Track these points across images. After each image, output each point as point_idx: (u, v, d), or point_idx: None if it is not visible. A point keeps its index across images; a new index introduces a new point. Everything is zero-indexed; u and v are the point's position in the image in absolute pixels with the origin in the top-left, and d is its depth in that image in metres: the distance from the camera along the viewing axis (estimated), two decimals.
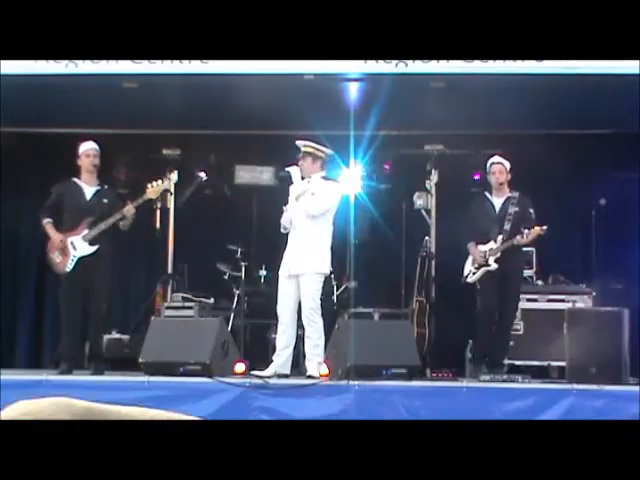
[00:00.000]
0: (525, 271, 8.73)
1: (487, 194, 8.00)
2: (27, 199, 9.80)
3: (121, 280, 9.70)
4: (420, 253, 9.42)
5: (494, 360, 7.77)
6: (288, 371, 7.24)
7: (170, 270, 9.82)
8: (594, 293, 8.68)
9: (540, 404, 6.70)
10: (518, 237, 7.63)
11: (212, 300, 9.21)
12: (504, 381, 7.20)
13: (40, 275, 9.83)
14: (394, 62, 7.41)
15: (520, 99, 7.99)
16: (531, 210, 7.81)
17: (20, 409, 3.58)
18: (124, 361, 8.13)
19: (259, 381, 6.88)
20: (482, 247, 7.80)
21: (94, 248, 7.57)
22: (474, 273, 7.83)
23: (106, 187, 7.85)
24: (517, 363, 8.36)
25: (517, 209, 7.77)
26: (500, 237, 7.72)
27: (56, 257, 7.60)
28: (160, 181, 7.86)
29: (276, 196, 7.97)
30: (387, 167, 9.76)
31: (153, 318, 8.35)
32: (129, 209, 7.59)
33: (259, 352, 8.50)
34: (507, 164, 7.91)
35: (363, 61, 7.41)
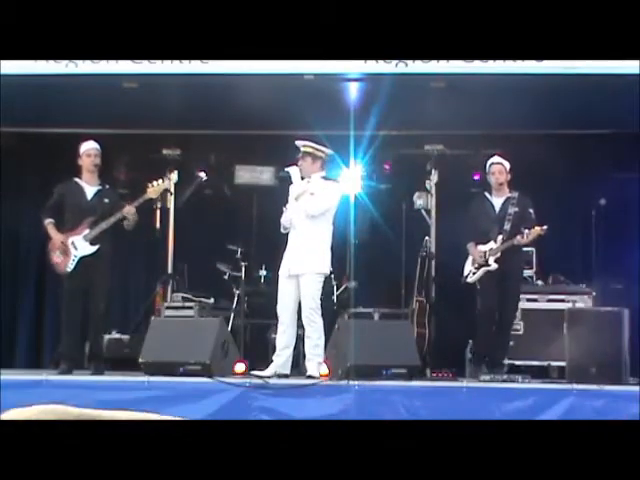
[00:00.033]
0: (525, 271, 8.73)
1: (487, 194, 8.00)
2: (27, 199, 9.80)
3: (121, 280, 9.70)
4: (420, 253, 9.42)
5: (494, 360, 7.77)
6: (288, 371, 7.23)
7: (170, 270, 9.82)
8: (594, 293, 8.68)
9: (540, 404, 6.70)
10: (518, 237, 7.63)
11: (212, 300, 9.21)
12: (504, 381, 7.19)
13: (40, 275, 9.83)
14: (394, 62, 7.41)
15: (520, 99, 7.99)
16: (531, 210, 7.81)
17: (13, 416, 3.56)
18: (124, 361, 8.13)
19: (259, 381, 6.88)
20: (482, 247, 7.80)
21: (95, 248, 7.57)
22: (474, 273, 7.83)
23: (107, 187, 7.85)
24: (517, 363, 8.36)
25: (517, 209, 7.77)
26: (500, 237, 7.72)
27: (57, 257, 7.60)
28: (160, 181, 7.87)
29: (276, 196, 7.97)
30: (387, 167, 9.76)
31: (153, 318, 8.35)
32: (129, 209, 7.60)
33: (259, 352, 8.50)
34: (507, 164, 7.91)
35: (363, 61, 7.41)
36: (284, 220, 7.32)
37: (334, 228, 7.41)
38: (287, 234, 7.36)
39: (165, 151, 9.69)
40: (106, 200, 7.71)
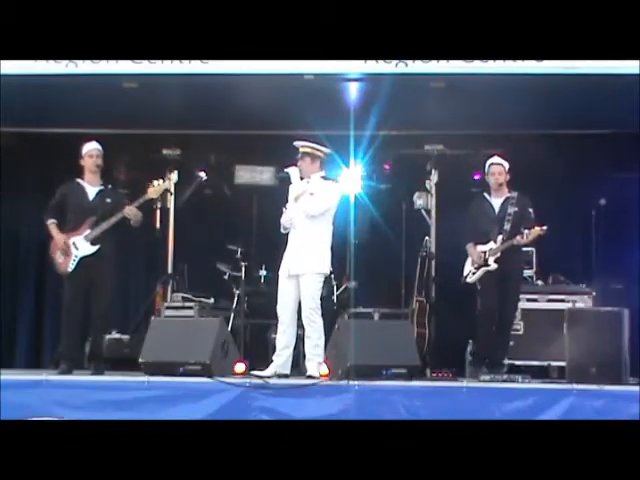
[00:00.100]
0: (525, 271, 8.73)
1: (486, 195, 8.00)
2: (27, 199, 9.81)
3: (121, 280, 9.69)
4: (420, 253, 9.43)
5: (494, 360, 7.76)
6: (288, 371, 7.23)
7: (170, 270, 9.83)
8: (594, 293, 8.68)
9: (540, 404, 6.70)
10: (518, 237, 7.63)
11: (212, 300, 9.21)
12: (504, 381, 7.19)
13: (40, 275, 9.84)
14: (394, 62, 7.41)
15: (520, 99, 7.99)
16: (530, 209, 7.81)
17: None
18: (124, 361, 8.12)
19: (259, 381, 6.88)
20: (481, 247, 7.81)
21: (95, 248, 7.58)
22: (474, 273, 7.83)
23: (109, 187, 7.86)
24: (517, 363, 8.36)
25: (516, 209, 7.77)
26: (500, 237, 7.72)
27: (58, 257, 7.62)
28: (161, 181, 7.88)
29: (276, 196, 7.97)
30: (387, 167, 9.76)
31: (153, 318, 8.34)
32: (130, 209, 7.62)
33: (259, 352, 8.50)
34: (506, 165, 7.91)
35: (363, 61, 7.41)
36: (284, 220, 7.32)
37: (334, 228, 7.41)
38: (287, 234, 7.36)
39: (165, 151, 9.69)
40: (108, 200, 7.72)
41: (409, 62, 7.39)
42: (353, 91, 8.22)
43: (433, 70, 7.42)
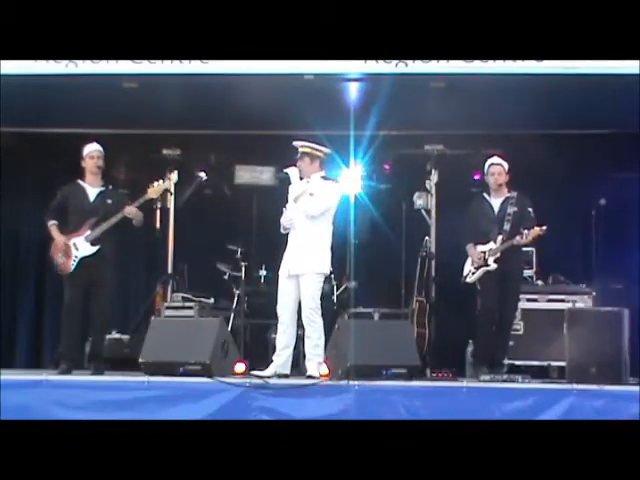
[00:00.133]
0: (525, 271, 8.73)
1: (485, 195, 7.99)
2: (27, 199, 9.82)
3: (121, 280, 9.69)
4: (420, 253, 9.43)
5: (494, 360, 7.76)
6: (288, 371, 7.23)
7: (170, 270, 9.83)
8: (594, 293, 8.68)
9: (540, 404, 6.70)
10: (517, 237, 7.63)
11: (212, 300, 9.22)
12: (504, 381, 7.19)
13: (40, 275, 9.85)
14: (394, 62, 7.41)
15: (520, 99, 7.99)
16: (530, 209, 7.81)
17: None
18: (124, 361, 8.13)
19: (259, 381, 6.88)
20: (481, 247, 7.81)
21: (95, 248, 7.58)
22: (474, 273, 7.83)
23: (110, 187, 7.87)
24: (517, 363, 8.37)
25: (516, 209, 7.77)
26: (500, 237, 7.72)
27: (59, 258, 7.62)
28: (161, 181, 7.88)
29: (276, 196, 7.97)
30: (387, 167, 9.76)
31: (153, 318, 8.34)
32: (130, 209, 7.62)
33: (259, 352, 8.51)
34: (505, 165, 7.91)
35: (363, 61, 7.41)
36: (284, 220, 7.32)
37: (334, 228, 7.41)
38: (287, 234, 7.36)
39: (165, 151, 9.70)
40: (109, 201, 7.72)
41: (409, 62, 7.39)
42: (353, 91, 8.22)
43: (433, 70, 7.42)
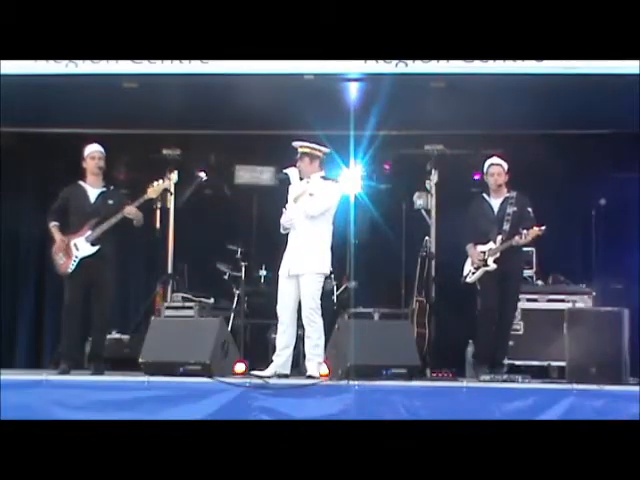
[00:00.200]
0: (525, 271, 8.73)
1: (485, 195, 7.99)
2: (27, 199, 9.82)
3: (121, 280, 9.69)
4: (420, 253, 9.43)
5: (494, 360, 7.76)
6: (288, 371, 7.23)
7: (170, 270, 9.83)
8: (594, 293, 8.69)
9: (540, 404, 6.70)
10: (517, 238, 7.63)
11: (212, 300, 9.22)
12: (504, 381, 7.19)
13: (40, 275, 9.84)
14: (394, 62, 7.41)
15: (520, 99, 7.99)
16: (529, 209, 7.81)
17: None
18: (124, 361, 8.13)
19: (259, 381, 6.88)
20: (481, 247, 7.81)
21: (96, 248, 7.58)
22: (473, 273, 7.83)
23: (112, 188, 7.87)
24: (517, 363, 8.37)
25: (515, 209, 7.77)
26: (499, 238, 7.73)
27: (60, 259, 7.63)
28: (160, 181, 7.88)
29: (276, 196, 7.97)
30: (387, 167, 9.76)
31: (153, 318, 8.35)
32: (130, 209, 7.63)
33: (259, 352, 8.51)
34: (505, 165, 7.91)
35: (363, 61, 7.41)
36: (284, 220, 7.32)
37: (334, 228, 7.41)
38: (287, 234, 7.36)
39: (165, 151, 9.70)
40: (110, 202, 7.73)
41: (409, 62, 7.39)
42: (353, 91, 8.22)
43: (433, 70, 7.42)
